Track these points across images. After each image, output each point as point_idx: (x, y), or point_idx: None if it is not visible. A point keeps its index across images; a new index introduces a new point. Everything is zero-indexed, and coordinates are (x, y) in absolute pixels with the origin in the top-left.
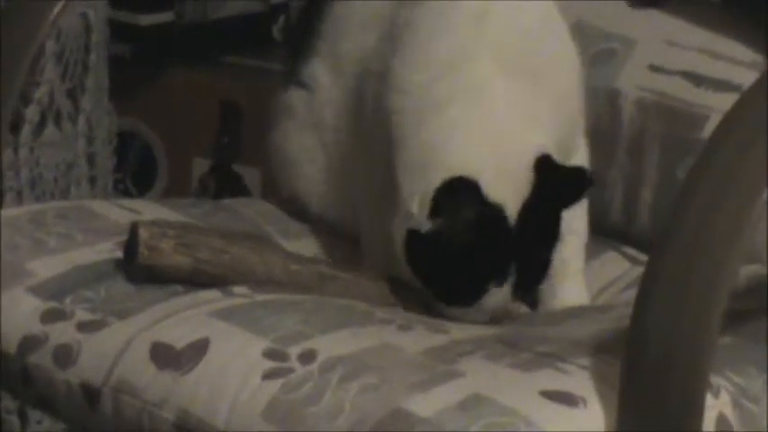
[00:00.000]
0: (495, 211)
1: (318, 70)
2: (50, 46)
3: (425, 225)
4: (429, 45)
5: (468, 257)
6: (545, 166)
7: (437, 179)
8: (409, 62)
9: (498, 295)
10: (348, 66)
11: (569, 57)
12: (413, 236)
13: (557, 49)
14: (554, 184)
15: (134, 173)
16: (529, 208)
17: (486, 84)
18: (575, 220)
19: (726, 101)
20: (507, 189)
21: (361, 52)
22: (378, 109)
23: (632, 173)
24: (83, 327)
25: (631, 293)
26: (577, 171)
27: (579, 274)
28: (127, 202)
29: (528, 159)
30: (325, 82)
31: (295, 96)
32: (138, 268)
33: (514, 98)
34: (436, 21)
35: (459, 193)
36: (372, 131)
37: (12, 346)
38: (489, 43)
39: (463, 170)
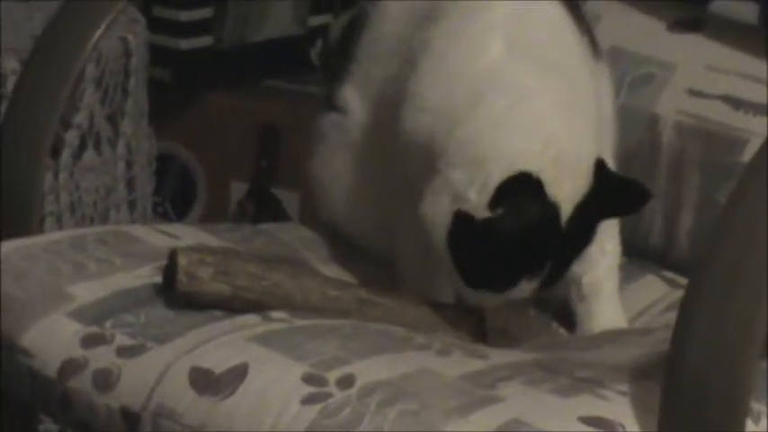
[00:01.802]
0: (553, 211)
1: (350, 94)
2: (90, 70)
3: (482, 212)
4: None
5: (515, 251)
6: (603, 171)
7: (496, 171)
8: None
9: (526, 288)
10: (376, 90)
11: (596, 68)
12: (464, 219)
13: (576, 52)
14: (612, 191)
15: (173, 196)
16: (581, 211)
17: (525, 81)
18: (608, 239)
19: (765, 125)
20: (564, 189)
21: (386, 78)
22: (400, 131)
23: (672, 196)
24: (122, 351)
25: (670, 317)
26: (637, 183)
27: (614, 294)
28: (165, 226)
29: (584, 163)
30: (356, 106)
31: (331, 121)
32: (176, 295)
33: (555, 97)
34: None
35: (524, 189)
36: (398, 154)
37: (52, 371)
38: (514, 43)
39: (525, 165)
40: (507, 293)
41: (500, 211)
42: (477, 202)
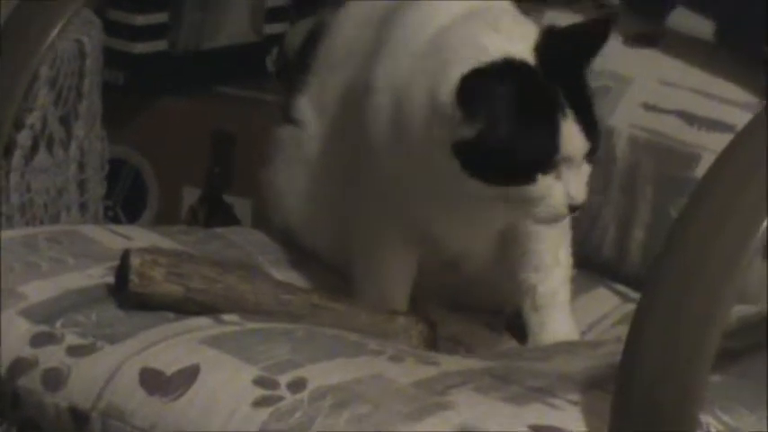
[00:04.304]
0: (519, 66)
1: (306, 106)
2: (45, 71)
3: (466, 131)
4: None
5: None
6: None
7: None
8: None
9: (580, 143)
10: (330, 101)
11: None
12: (462, 146)
13: None
14: (573, 38)
15: (124, 200)
16: (552, 52)
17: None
18: (561, 250)
19: (719, 141)
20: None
21: (341, 86)
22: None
23: (625, 210)
24: (73, 351)
25: (621, 330)
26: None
27: (567, 305)
28: (119, 227)
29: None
30: (311, 118)
31: (287, 133)
32: (129, 296)
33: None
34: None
35: (479, 83)
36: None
37: (2, 369)
38: None
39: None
40: (572, 147)
41: (476, 119)
42: (453, 116)
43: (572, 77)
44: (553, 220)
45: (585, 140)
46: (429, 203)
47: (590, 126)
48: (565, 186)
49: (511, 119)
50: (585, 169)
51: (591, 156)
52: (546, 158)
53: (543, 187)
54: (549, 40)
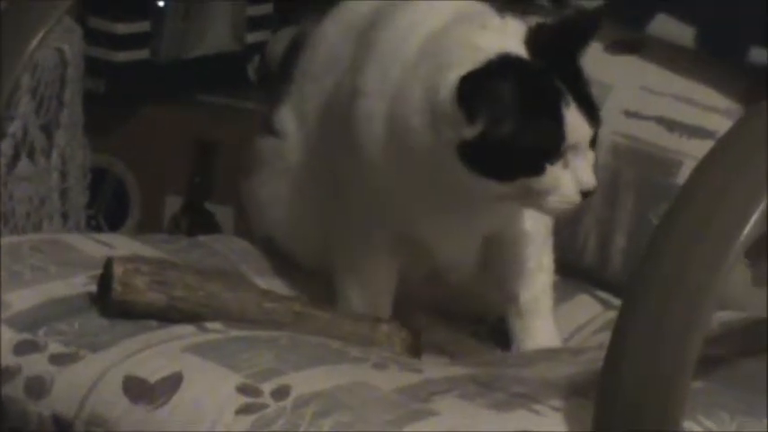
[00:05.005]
0: (515, 61)
1: (287, 117)
2: (26, 80)
3: (469, 131)
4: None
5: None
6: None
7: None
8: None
9: (583, 129)
10: (311, 110)
11: None
12: (467, 147)
13: None
14: (563, 30)
15: (106, 209)
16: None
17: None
18: (544, 257)
19: (699, 147)
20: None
21: (323, 96)
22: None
23: (606, 217)
24: (56, 359)
25: (604, 337)
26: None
27: (550, 312)
28: (101, 235)
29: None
30: (292, 129)
31: (268, 145)
32: (111, 304)
33: None
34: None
35: (478, 82)
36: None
37: None
38: None
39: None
40: (576, 132)
41: (479, 120)
42: (456, 119)
43: (567, 67)
44: (567, 209)
45: (589, 126)
46: (419, 209)
47: (592, 112)
48: (574, 174)
49: (515, 113)
50: (591, 155)
51: (593, 142)
52: (553, 148)
53: (553, 177)
54: (540, 35)
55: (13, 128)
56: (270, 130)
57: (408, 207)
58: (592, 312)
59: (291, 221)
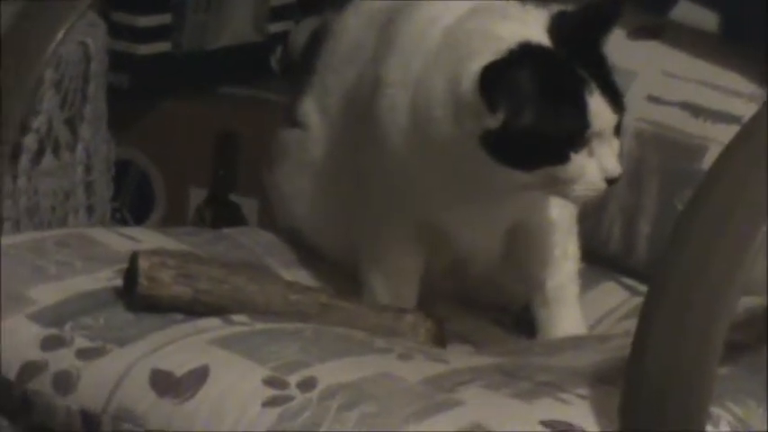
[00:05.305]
0: (537, 49)
1: (310, 109)
2: (50, 74)
3: (492, 121)
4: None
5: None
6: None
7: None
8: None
9: (608, 116)
10: (333, 102)
11: None
12: (490, 137)
13: None
14: (584, 17)
15: (131, 202)
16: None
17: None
18: (569, 244)
19: (724, 132)
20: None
21: (346, 87)
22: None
23: (631, 203)
24: (82, 354)
25: (630, 323)
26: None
27: (576, 299)
28: (126, 229)
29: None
30: (315, 120)
31: (292, 137)
32: (137, 298)
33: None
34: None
35: (500, 72)
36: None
37: (12, 373)
38: None
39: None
40: (600, 121)
41: (501, 109)
42: (476, 108)
43: (589, 54)
44: (593, 197)
45: (613, 113)
46: (443, 200)
47: (616, 98)
48: (598, 161)
49: (537, 102)
50: (615, 143)
51: (618, 129)
52: (578, 136)
53: (578, 165)
54: (562, 23)
55: (38, 122)
56: (293, 121)
57: (431, 197)
58: (618, 299)
59: (316, 213)
